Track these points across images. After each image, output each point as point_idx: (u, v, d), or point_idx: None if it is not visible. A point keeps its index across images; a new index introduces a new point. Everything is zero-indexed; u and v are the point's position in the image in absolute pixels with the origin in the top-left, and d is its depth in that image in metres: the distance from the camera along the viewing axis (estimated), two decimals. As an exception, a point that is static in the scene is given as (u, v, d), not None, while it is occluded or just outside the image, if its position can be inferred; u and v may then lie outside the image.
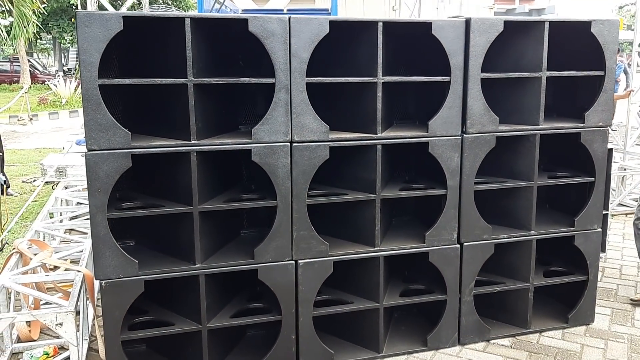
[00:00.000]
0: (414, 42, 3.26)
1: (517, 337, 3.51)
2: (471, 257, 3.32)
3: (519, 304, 3.53)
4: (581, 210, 3.49)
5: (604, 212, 4.45)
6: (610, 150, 4.55)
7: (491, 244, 3.35)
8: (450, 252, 3.28)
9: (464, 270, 3.33)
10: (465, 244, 3.30)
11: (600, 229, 3.56)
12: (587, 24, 3.24)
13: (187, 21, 2.62)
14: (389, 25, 2.97)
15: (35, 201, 6.89)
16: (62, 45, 30.94)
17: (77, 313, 3.07)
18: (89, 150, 2.64)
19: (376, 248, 3.14)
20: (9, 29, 13.08)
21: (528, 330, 3.53)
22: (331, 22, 2.85)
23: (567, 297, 3.69)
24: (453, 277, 3.31)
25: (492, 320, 3.54)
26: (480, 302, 3.43)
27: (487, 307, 3.50)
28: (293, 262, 3.02)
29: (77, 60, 31.52)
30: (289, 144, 2.89)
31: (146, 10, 9.31)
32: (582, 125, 3.37)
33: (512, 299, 3.54)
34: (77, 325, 3.01)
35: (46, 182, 6.91)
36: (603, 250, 4.80)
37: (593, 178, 3.47)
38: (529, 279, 3.46)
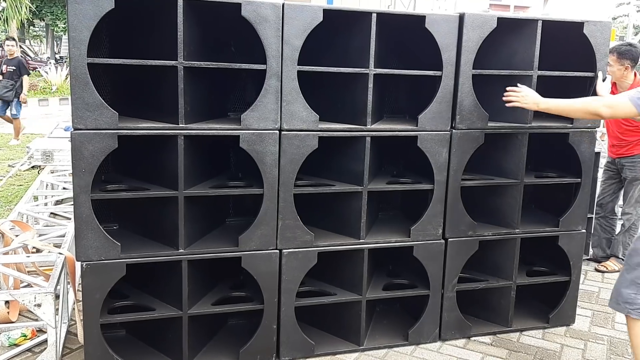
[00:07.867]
0: (407, 35, 3.25)
1: (497, 335, 3.51)
2: (455, 253, 3.33)
3: (501, 302, 3.54)
4: (566, 211, 3.50)
5: (589, 216, 4.49)
6: (598, 154, 4.59)
7: (476, 240, 3.35)
8: (435, 247, 3.28)
9: (448, 266, 3.33)
10: (450, 239, 3.30)
11: (584, 230, 3.57)
12: (580, 25, 3.25)
13: (180, 2, 2.59)
14: (383, 17, 2.96)
15: (20, 185, 6.83)
16: (55, 33, 30.66)
17: (57, 297, 3.03)
18: (75, 129, 2.61)
19: (361, 240, 3.14)
20: (2, 14, 12.95)
21: (509, 328, 3.54)
22: (325, 11, 2.83)
23: (549, 297, 3.70)
24: (436, 273, 3.32)
25: (473, 318, 3.54)
26: (463, 299, 3.43)
27: (469, 304, 3.51)
28: (277, 251, 3.01)
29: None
30: (277, 131, 2.88)
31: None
32: (570, 125, 3.38)
33: (495, 297, 3.55)
34: (57, 309, 2.98)
35: (32, 167, 6.85)
36: (586, 253, 4.84)
37: (579, 179, 3.48)
38: (512, 277, 3.47)
